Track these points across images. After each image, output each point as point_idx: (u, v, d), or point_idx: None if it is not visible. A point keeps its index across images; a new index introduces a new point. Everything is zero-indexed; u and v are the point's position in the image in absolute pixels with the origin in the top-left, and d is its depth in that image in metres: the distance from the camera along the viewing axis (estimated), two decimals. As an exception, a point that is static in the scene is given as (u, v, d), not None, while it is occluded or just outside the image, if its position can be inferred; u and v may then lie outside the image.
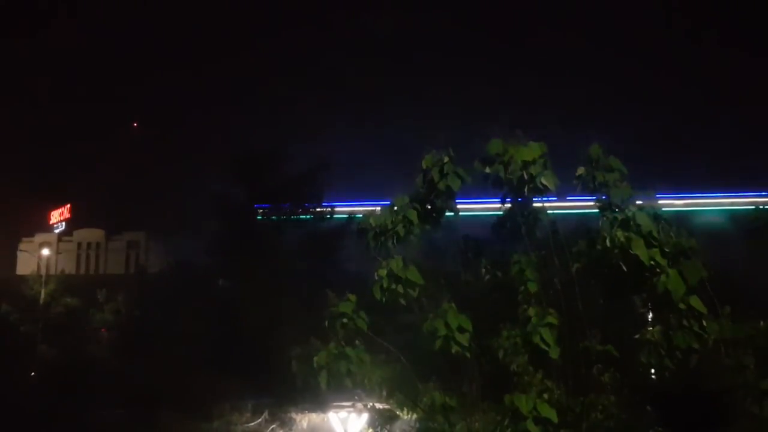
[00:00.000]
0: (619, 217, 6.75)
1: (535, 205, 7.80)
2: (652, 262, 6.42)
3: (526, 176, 6.98)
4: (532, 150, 7.00)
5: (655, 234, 6.48)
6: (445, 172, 7.48)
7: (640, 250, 6.41)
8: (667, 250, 6.47)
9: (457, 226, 8.22)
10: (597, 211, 7.38)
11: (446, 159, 7.52)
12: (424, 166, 7.61)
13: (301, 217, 34.57)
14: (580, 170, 7.27)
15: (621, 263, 6.54)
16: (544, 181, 6.97)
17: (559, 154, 7.35)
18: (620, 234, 6.55)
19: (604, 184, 7.05)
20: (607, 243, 6.64)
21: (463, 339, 6.99)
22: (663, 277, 6.36)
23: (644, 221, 6.54)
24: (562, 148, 7.86)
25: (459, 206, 7.93)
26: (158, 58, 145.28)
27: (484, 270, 8.58)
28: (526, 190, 7.07)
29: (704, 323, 6.39)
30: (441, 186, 7.48)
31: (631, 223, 6.57)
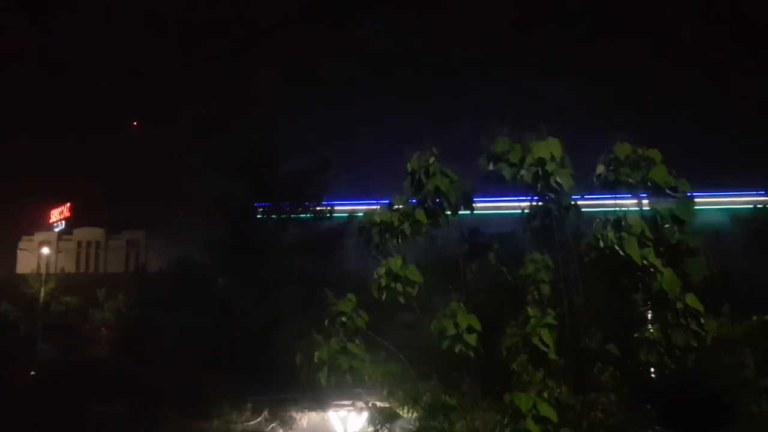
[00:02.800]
0: (613, 217, 6.68)
1: (561, 203, 7.68)
2: (645, 262, 6.41)
3: (540, 173, 6.90)
4: (550, 146, 6.92)
5: (648, 233, 6.46)
6: (431, 173, 7.45)
7: (632, 249, 6.39)
8: (661, 249, 6.45)
9: (459, 224, 8.18)
10: (595, 210, 7.37)
11: (432, 160, 7.49)
12: (409, 169, 7.58)
13: (301, 215, 34.60)
14: (600, 168, 7.20)
15: (616, 263, 6.52)
16: (558, 179, 6.90)
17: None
18: (611, 234, 6.53)
19: (644, 167, 6.83)
20: (601, 243, 6.61)
21: (472, 339, 6.97)
22: (658, 277, 6.36)
23: (635, 221, 6.52)
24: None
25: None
26: (159, 57, 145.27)
27: (488, 265, 8.51)
28: (539, 187, 6.99)
29: (702, 321, 6.38)
30: (429, 187, 7.45)
31: (623, 222, 6.54)
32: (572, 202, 7.57)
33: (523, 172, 6.95)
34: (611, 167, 7.03)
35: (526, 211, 7.99)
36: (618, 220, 6.59)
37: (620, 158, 6.95)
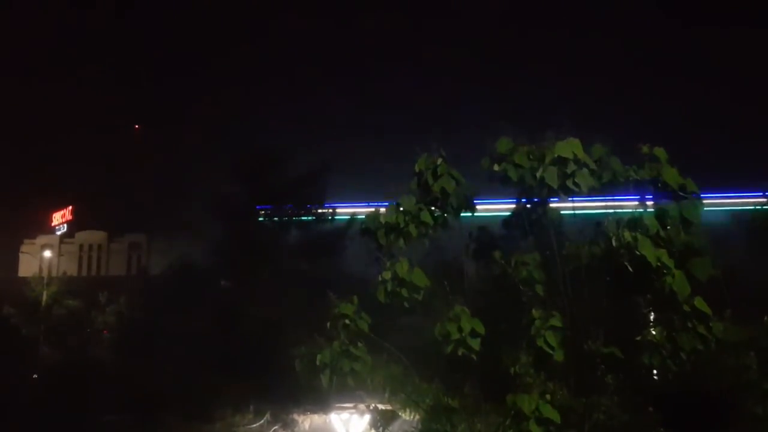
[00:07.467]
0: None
1: (547, 205, 7.67)
2: (658, 263, 6.37)
3: (558, 174, 6.84)
4: (572, 146, 6.86)
5: (662, 234, 6.43)
6: (438, 174, 7.40)
7: (647, 250, 6.36)
8: (673, 249, 6.42)
9: (464, 225, 8.14)
10: (597, 212, 7.35)
11: (439, 161, 7.45)
12: (416, 169, 7.53)
13: (303, 218, 34.58)
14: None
15: (627, 263, 6.47)
16: (578, 181, 6.85)
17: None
18: (627, 234, 6.49)
19: (652, 166, 6.79)
20: (614, 243, 6.57)
21: (475, 344, 6.94)
22: (669, 278, 6.33)
23: (651, 222, 6.49)
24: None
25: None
26: (160, 59, 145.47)
27: (493, 264, 8.45)
28: (546, 189, 6.94)
29: (710, 325, 6.35)
30: (435, 188, 7.40)
31: (638, 223, 6.52)
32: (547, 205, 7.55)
33: (540, 172, 6.86)
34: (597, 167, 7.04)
35: (506, 214, 8.00)
36: (633, 220, 6.56)
37: (596, 159, 6.96)
